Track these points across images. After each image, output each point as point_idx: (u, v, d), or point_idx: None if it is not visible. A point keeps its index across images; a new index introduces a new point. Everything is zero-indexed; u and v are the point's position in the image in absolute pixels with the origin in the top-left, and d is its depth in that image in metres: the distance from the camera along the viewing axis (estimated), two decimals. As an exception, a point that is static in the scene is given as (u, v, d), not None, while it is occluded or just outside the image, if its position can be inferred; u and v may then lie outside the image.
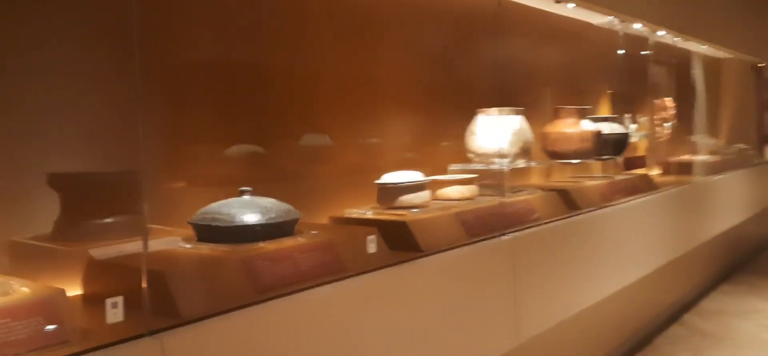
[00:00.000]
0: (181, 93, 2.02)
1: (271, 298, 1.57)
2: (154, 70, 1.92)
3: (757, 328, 4.12)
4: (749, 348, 3.80)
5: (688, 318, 4.37)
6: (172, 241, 1.75)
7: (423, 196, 2.29)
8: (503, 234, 2.41)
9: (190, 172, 2.05)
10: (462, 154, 2.85)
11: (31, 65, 1.66)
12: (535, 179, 3.54)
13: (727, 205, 5.12)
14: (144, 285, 1.38)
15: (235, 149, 2.16)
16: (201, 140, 2.07)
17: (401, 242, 2.07)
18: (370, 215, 2.23)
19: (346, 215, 2.25)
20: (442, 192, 2.49)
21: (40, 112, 1.67)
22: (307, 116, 2.38)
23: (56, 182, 1.66)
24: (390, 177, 2.29)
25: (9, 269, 1.60)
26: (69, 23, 1.74)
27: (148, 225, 1.83)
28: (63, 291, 1.34)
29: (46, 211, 1.66)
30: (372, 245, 1.89)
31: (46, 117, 1.69)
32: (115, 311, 1.31)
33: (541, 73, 3.75)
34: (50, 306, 1.31)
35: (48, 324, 1.28)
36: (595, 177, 3.51)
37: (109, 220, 1.67)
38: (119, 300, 1.31)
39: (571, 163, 3.32)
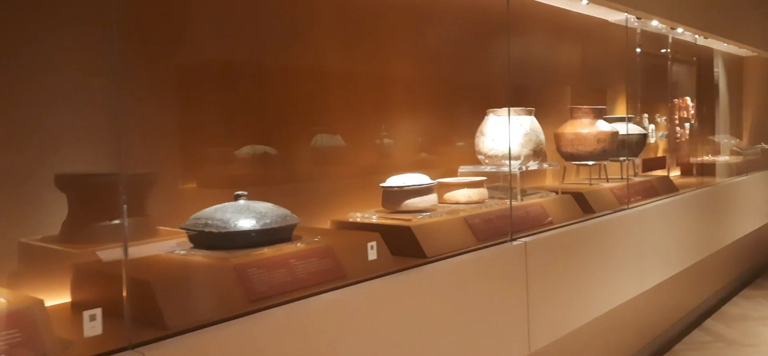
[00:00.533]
0: (192, 93, 1.98)
1: (266, 308, 1.49)
2: (166, 70, 1.88)
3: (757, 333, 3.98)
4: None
5: (710, 323, 4.23)
6: (173, 246, 1.68)
7: (429, 199, 2.20)
8: (514, 239, 2.31)
9: (202, 173, 2.01)
10: (474, 155, 2.75)
11: (35, 65, 1.62)
12: (549, 182, 3.43)
13: (750, 207, 4.96)
14: (124, 293, 1.30)
15: (246, 150, 2.11)
16: (213, 140, 2.03)
17: (406, 247, 1.99)
18: (374, 219, 2.14)
19: (350, 220, 2.17)
20: (450, 196, 2.39)
21: (47, 112, 1.63)
22: (318, 117, 2.32)
23: (64, 183, 1.62)
24: (395, 180, 2.20)
25: (17, 271, 1.57)
26: (75, 21, 1.68)
27: (157, 227, 1.79)
28: (41, 302, 1.27)
29: (56, 212, 1.62)
30: (373, 251, 1.80)
31: (54, 117, 1.64)
32: (93, 324, 1.23)
33: (556, 72, 3.64)
34: (27, 317, 1.24)
35: (24, 337, 1.21)
36: (611, 179, 3.39)
37: (117, 222, 1.62)
38: (98, 311, 1.24)
39: (586, 165, 3.21)
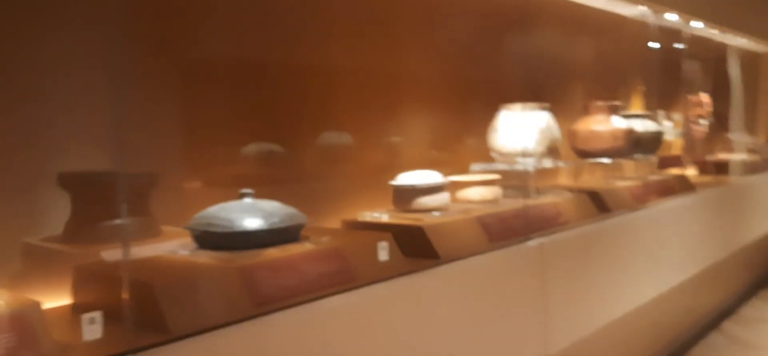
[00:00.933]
0: (197, 91, 1.93)
1: (272, 311, 1.43)
2: (171, 67, 1.83)
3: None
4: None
5: (727, 325, 4.13)
6: (176, 246, 1.63)
7: (441, 198, 2.13)
8: (529, 239, 2.24)
9: (208, 171, 1.96)
10: (486, 153, 2.68)
11: (41, 62, 1.57)
12: (563, 180, 3.35)
13: (767, 206, 4.86)
14: (125, 296, 1.25)
15: (252, 148, 2.06)
16: (219, 139, 1.98)
17: (417, 248, 1.92)
18: (384, 218, 2.08)
19: (360, 219, 2.11)
20: (463, 194, 2.32)
21: (54, 110, 1.60)
22: (326, 115, 2.27)
23: (67, 181, 1.58)
24: (406, 178, 2.14)
25: (19, 271, 1.53)
26: (79, 18, 1.64)
27: (162, 227, 1.74)
28: (38, 304, 1.22)
29: (62, 212, 1.59)
30: (383, 252, 1.74)
31: (60, 116, 1.60)
32: (92, 327, 1.18)
33: (570, 67, 3.56)
34: (23, 319, 1.19)
35: (20, 340, 1.16)
36: (627, 178, 3.31)
37: (120, 222, 1.57)
38: (97, 314, 1.18)
39: (602, 163, 3.13)
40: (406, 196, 2.10)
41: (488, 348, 2.00)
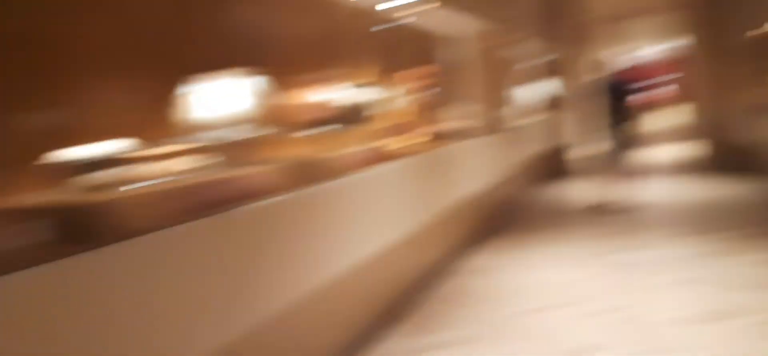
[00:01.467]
0: None
1: None
2: None
3: (488, 283, 4.41)
4: (484, 301, 4.04)
5: (450, 278, 4.52)
6: None
7: (123, 172, 2.01)
8: (224, 211, 2.22)
9: None
10: (185, 123, 2.57)
11: None
12: (274, 152, 3.38)
13: (478, 168, 5.45)
14: None
15: None
16: None
17: (89, 227, 1.78)
18: (48, 199, 1.89)
19: (17, 204, 1.88)
20: (151, 168, 2.22)
21: None
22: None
23: None
24: (79, 152, 1.97)
25: None
26: None
27: None
28: None
29: None
30: (40, 233, 1.58)
31: None
32: None
33: (294, 40, 3.59)
34: None
35: None
36: (343, 147, 3.46)
37: None
38: None
39: (317, 132, 3.22)
40: (76, 172, 1.94)
41: (185, 322, 1.94)
